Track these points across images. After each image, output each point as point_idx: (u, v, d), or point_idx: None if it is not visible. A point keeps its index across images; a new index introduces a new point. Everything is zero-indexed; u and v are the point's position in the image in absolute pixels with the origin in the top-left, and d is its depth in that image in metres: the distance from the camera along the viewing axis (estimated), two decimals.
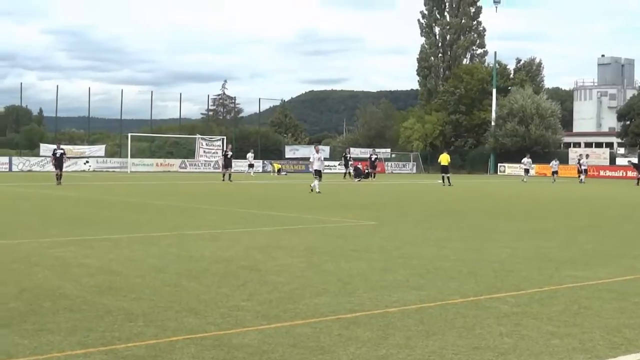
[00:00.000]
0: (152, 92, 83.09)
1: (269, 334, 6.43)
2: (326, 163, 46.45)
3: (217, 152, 68.45)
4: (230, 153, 47.26)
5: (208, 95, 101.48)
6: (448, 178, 43.08)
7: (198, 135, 70.57)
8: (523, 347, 6.13)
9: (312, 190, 30.72)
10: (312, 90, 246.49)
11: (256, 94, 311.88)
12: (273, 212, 20.84)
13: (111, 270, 9.84)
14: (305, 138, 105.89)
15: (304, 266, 10.42)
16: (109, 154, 67.81)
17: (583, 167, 54.74)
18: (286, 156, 74.12)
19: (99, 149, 66.60)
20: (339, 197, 29.02)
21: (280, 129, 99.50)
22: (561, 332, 6.65)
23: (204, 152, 68.58)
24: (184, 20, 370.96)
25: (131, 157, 63.85)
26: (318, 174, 31.53)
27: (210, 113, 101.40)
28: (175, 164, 66.93)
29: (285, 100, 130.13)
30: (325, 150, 65.05)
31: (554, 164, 56.36)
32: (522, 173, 55.24)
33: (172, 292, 8.32)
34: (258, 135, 77.86)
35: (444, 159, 44.66)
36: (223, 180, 43.41)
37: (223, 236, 14.30)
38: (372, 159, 53.13)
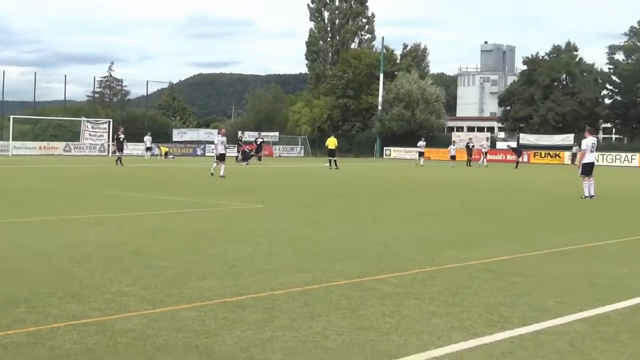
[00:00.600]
0: (35, 73, 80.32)
1: (154, 318, 6.38)
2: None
3: (102, 135, 67.05)
4: (122, 136, 46.31)
5: (94, 77, 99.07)
6: (335, 161, 43.53)
7: (83, 118, 68.87)
8: (404, 326, 6.28)
9: (212, 174, 30.56)
10: (201, 74, 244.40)
11: (144, 77, 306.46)
12: (160, 195, 20.60)
13: None
14: (194, 121, 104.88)
15: (190, 250, 10.36)
16: None
17: (484, 150, 55.65)
18: (174, 139, 73.23)
19: None
20: (227, 181, 28.90)
21: (169, 112, 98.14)
22: (441, 312, 6.85)
23: (90, 135, 66.97)
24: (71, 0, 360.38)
25: (13, 140, 61.74)
26: (222, 157, 31.12)
27: (96, 95, 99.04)
28: (59, 147, 65.08)
29: (174, 83, 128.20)
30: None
31: (421, 144, 55.15)
32: (416, 156, 55.18)
33: (55, 278, 8.15)
34: (145, 119, 76.57)
35: (331, 142, 45.18)
36: (117, 164, 41.83)
37: (108, 220, 14.05)
38: (259, 142, 53.13)
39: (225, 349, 5.54)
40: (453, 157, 54.23)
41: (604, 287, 8.25)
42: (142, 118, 76.87)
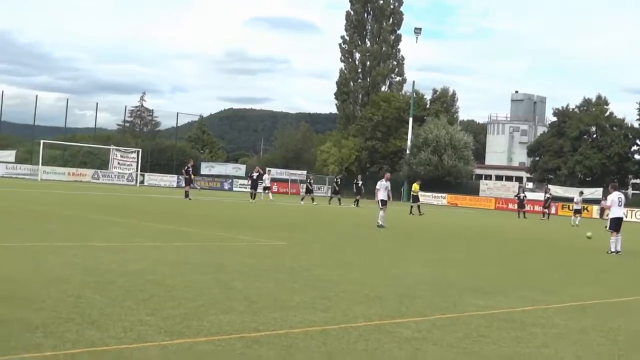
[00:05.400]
0: (67, 99, 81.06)
1: (171, 350, 6.39)
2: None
3: (131, 165, 67.55)
4: (191, 169, 44.23)
5: (125, 106, 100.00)
6: (418, 207, 43.26)
7: (112, 146, 69.54)
8: None
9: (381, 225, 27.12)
10: (232, 108, 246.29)
11: (176, 109, 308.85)
12: (185, 228, 20.68)
13: (12, 279, 9.62)
14: (223, 155, 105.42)
15: (212, 283, 10.37)
16: (19, 160, 66.15)
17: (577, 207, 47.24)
18: (202, 172, 73.65)
19: (9, 155, 64.94)
20: (252, 217, 28.94)
21: (198, 145, 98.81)
22: (459, 359, 6.79)
23: (118, 163, 67.60)
24: (112, 30, 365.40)
25: (43, 164, 62.31)
26: (384, 203, 27.87)
27: (127, 125, 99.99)
28: (88, 174, 65.72)
29: (205, 116, 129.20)
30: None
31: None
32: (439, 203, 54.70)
33: (75, 304, 8.18)
34: (174, 150, 77.17)
35: (415, 187, 44.89)
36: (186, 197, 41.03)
37: (131, 249, 14.12)
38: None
39: None
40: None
41: (624, 342, 8.16)
42: (171, 150, 77.43)
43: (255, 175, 48.67)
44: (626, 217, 22.15)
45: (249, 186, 50.66)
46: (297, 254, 15.49)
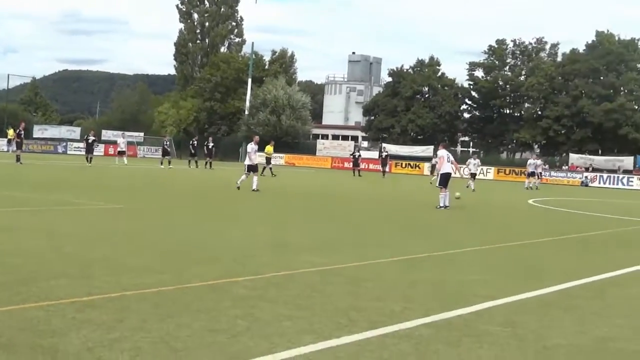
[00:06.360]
0: None
1: None
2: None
3: None
4: (22, 132, 42.72)
5: None
6: (270, 169, 43.11)
7: None
8: (255, 329, 6.35)
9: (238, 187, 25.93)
10: (67, 70, 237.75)
11: (7, 71, 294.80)
12: (16, 192, 19.93)
13: None
14: (57, 118, 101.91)
15: (44, 249, 10.09)
16: None
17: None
18: (34, 136, 70.79)
19: None
20: (88, 181, 28.21)
21: (30, 108, 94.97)
22: (293, 315, 6.95)
23: None
24: None
25: None
26: (254, 168, 26.40)
27: None
28: None
29: (38, 78, 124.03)
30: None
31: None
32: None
33: None
34: (5, 114, 73.84)
35: (269, 149, 44.38)
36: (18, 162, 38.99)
37: None
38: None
39: (72, 349, 5.46)
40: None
41: (451, 293, 8.56)
42: (2, 113, 74.07)
43: (91, 138, 47.30)
44: (454, 173, 23.06)
45: (84, 149, 49.22)
46: (133, 218, 15.30)
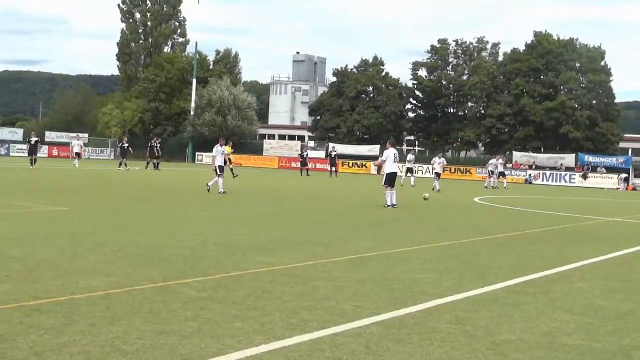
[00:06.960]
0: None
1: None
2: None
3: None
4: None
5: None
6: (232, 170, 41.82)
7: None
8: (206, 330, 6.33)
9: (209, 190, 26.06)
10: (8, 71, 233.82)
11: None
12: None
13: None
14: None
15: None
16: None
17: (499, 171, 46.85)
18: None
19: None
20: (32, 183, 27.77)
21: None
22: (244, 316, 6.94)
23: None
24: None
25: None
26: (222, 170, 26.69)
27: None
28: None
29: None
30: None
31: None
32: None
33: None
34: None
35: (229, 150, 43.67)
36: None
37: None
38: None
39: (19, 355, 5.37)
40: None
41: (400, 292, 8.63)
42: None
43: (34, 140, 46.56)
44: (400, 172, 23.23)
45: (27, 152, 48.43)
46: (79, 219, 15.10)
